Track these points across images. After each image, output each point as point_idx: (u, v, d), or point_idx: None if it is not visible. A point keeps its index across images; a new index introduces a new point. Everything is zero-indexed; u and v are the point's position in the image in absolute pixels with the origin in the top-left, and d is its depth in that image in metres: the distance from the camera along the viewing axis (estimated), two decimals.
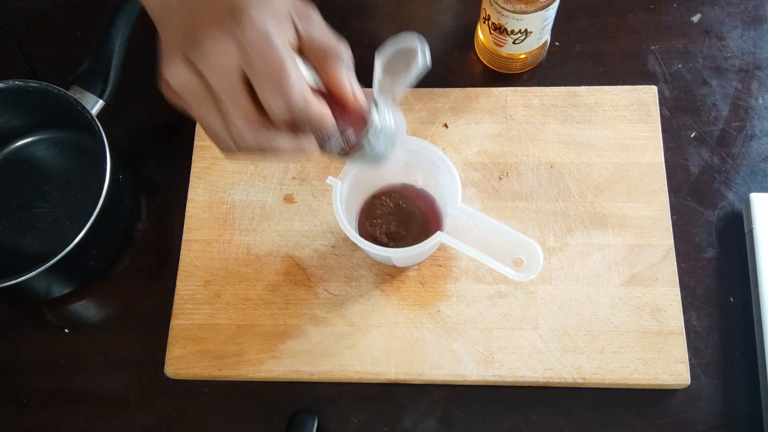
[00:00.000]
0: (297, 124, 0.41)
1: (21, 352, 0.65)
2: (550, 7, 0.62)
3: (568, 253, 0.63)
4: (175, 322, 0.63)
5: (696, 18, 0.73)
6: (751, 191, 0.65)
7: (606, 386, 0.60)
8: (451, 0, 0.76)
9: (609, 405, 0.60)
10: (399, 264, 0.63)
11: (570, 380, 0.59)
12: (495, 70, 0.72)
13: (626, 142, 0.67)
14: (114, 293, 0.67)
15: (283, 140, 0.41)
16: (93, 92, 0.65)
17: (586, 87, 0.69)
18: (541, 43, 0.68)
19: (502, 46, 0.68)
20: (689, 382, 0.59)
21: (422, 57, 0.46)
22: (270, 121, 0.40)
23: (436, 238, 0.55)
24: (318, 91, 0.43)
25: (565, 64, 0.72)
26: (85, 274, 0.66)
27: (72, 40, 0.76)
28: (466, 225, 0.56)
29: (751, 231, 0.63)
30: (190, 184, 0.68)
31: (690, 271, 0.63)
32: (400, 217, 0.63)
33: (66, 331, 0.65)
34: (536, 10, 0.62)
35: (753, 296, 0.62)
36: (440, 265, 0.64)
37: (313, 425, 0.59)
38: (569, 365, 0.59)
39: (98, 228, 0.60)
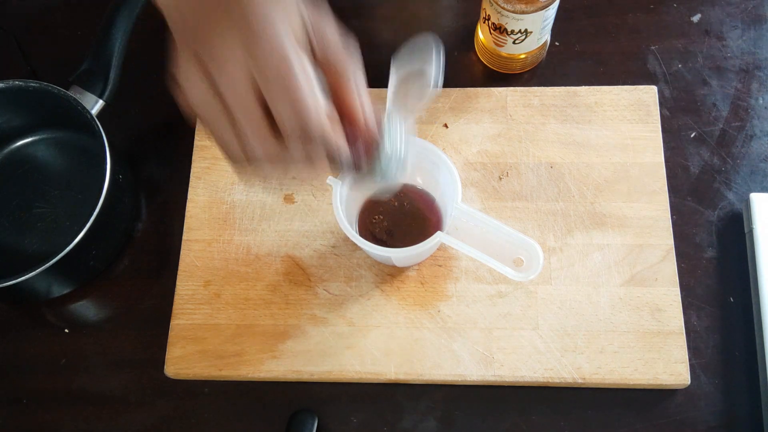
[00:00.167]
0: (308, 138, 0.40)
1: (21, 352, 0.65)
2: (550, 7, 0.62)
3: (568, 253, 0.63)
4: (175, 322, 0.63)
5: (696, 18, 0.73)
6: (751, 191, 0.65)
7: (606, 386, 0.60)
8: (451, 0, 0.76)
9: (609, 405, 0.60)
10: (399, 264, 0.63)
11: (570, 380, 0.59)
12: (495, 70, 0.72)
13: (626, 142, 0.67)
14: (114, 293, 0.67)
15: (294, 152, 0.40)
16: (93, 92, 0.65)
17: (586, 87, 0.69)
18: (541, 43, 0.68)
19: (502, 46, 0.68)
20: (689, 382, 0.59)
21: (437, 56, 0.45)
22: (280, 134, 0.39)
23: (436, 238, 0.55)
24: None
25: (565, 64, 0.72)
26: (85, 274, 0.66)
27: (72, 40, 0.76)
28: (466, 225, 0.56)
29: (751, 231, 0.63)
30: (190, 184, 0.68)
31: (690, 271, 0.63)
32: (400, 217, 0.63)
33: (66, 331, 0.65)
34: (536, 10, 0.62)
35: (753, 296, 0.62)
36: (440, 265, 0.64)
37: (313, 425, 0.59)
38: (569, 365, 0.59)
39: (98, 228, 0.60)
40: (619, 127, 0.67)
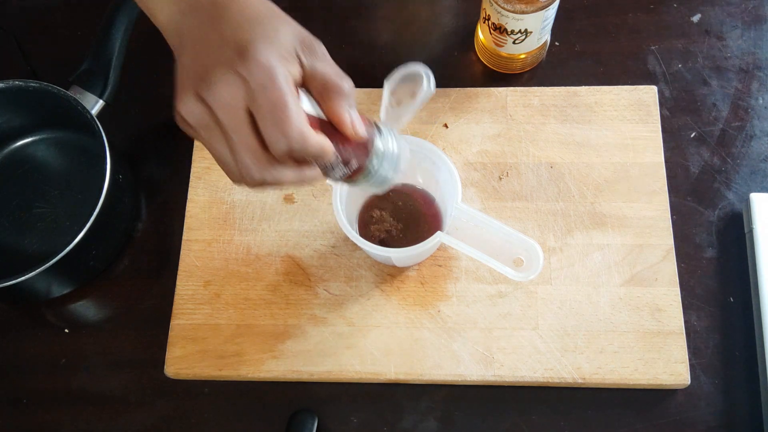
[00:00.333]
0: (302, 158, 0.43)
1: (21, 352, 0.65)
2: (550, 7, 0.62)
3: (568, 253, 0.63)
4: (175, 322, 0.63)
5: (696, 18, 0.73)
6: (751, 191, 0.65)
7: (606, 386, 0.60)
8: (451, 0, 0.76)
9: (609, 405, 0.60)
10: (399, 264, 0.63)
11: (570, 380, 0.59)
12: (495, 70, 0.72)
13: (626, 142, 0.67)
14: (114, 293, 0.67)
15: (287, 173, 0.43)
16: (93, 92, 0.65)
17: (586, 87, 0.69)
18: (541, 43, 0.68)
19: (502, 46, 0.68)
20: (689, 382, 0.59)
21: (427, 82, 0.47)
22: (274, 156, 0.42)
23: (436, 238, 0.55)
24: (321, 121, 0.44)
25: (565, 64, 0.72)
26: (85, 274, 0.66)
27: (72, 40, 0.76)
28: (466, 225, 0.56)
29: (751, 231, 0.63)
30: (190, 184, 0.68)
31: (690, 271, 0.63)
32: (400, 217, 0.63)
33: (66, 331, 0.65)
34: (536, 10, 0.62)
35: (753, 296, 0.62)
36: (440, 265, 0.64)
37: (313, 425, 0.59)
38: (569, 365, 0.59)
39: (98, 228, 0.60)
40: (619, 127, 0.67)
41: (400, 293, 0.63)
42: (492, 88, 0.69)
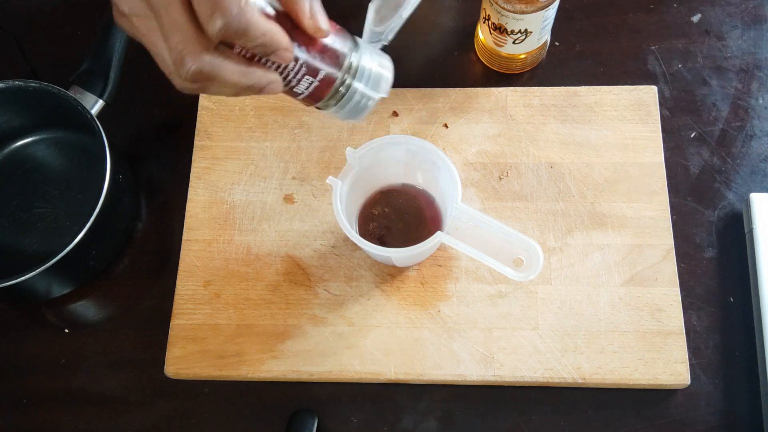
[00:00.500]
0: (249, 51, 0.38)
1: (21, 352, 0.65)
2: (550, 7, 0.62)
3: (568, 253, 0.63)
4: (175, 322, 0.63)
5: (696, 18, 0.73)
6: (751, 191, 0.65)
7: (606, 386, 0.60)
8: (451, 0, 0.76)
9: (609, 405, 0.60)
10: (399, 264, 0.63)
11: (570, 380, 0.59)
12: (495, 70, 0.72)
13: (626, 142, 0.67)
14: (114, 293, 0.67)
15: (229, 66, 0.38)
16: (93, 92, 0.65)
17: (586, 87, 0.69)
18: (541, 43, 0.68)
19: (502, 46, 0.68)
20: (689, 382, 0.59)
21: None
22: (213, 43, 0.37)
23: (436, 238, 0.55)
24: (279, 20, 0.38)
25: (565, 64, 0.72)
26: (85, 274, 0.66)
27: (72, 40, 0.76)
28: (466, 225, 0.56)
29: (751, 231, 0.63)
30: (190, 184, 0.68)
31: (690, 271, 0.63)
32: (400, 217, 0.63)
33: (66, 331, 0.65)
34: (536, 10, 0.62)
35: (753, 296, 0.62)
36: (440, 265, 0.64)
37: (313, 425, 0.59)
38: (569, 365, 0.59)
39: (98, 228, 0.60)
40: (619, 127, 0.67)
41: (400, 293, 0.63)
42: (492, 88, 0.69)
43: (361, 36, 0.46)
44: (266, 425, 0.61)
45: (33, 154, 0.71)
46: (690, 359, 0.60)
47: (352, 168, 0.58)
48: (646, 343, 0.60)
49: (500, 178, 0.66)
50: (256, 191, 0.67)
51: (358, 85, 0.41)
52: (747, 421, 0.59)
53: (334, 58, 0.40)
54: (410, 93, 0.69)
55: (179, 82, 0.39)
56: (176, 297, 0.64)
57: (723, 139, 0.68)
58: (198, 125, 0.70)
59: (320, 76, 0.40)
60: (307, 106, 0.43)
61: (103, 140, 0.62)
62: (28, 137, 0.71)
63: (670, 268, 0.62)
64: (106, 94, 0.65)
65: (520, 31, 0.65)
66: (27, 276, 0.58)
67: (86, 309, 0.67)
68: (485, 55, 0.71)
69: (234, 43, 0.38)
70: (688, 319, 0.61)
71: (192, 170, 0.68)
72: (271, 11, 0.38)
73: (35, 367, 0.64)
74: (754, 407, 0.59)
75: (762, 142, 0.68)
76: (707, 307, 0.62)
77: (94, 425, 0.62)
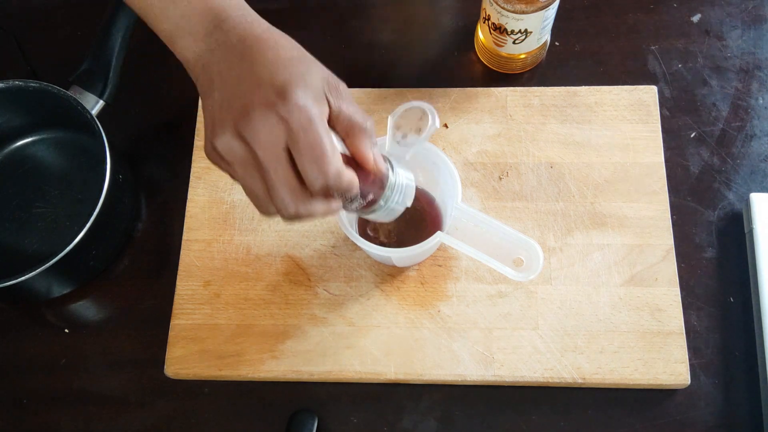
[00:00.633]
0: (331, 193, 0.45)
1: (21, 352, 0.65)
2: (550, 7, 0.62)
3: (568, 253, 0.63)
4: (175, 322, 0.63)
5: (696, 18, 0.73)
6: (751, 191, 0.65)
7: (606, 386, 0.60)
8: (451, 0, 0.76)
9: (609, 405, 0.60)
10: (399, 264, 0.63)
11: (570, 380, 0.59)
12: (495, 70, 0.72)
13: (626, 142, 0.67)
14: (114, 293, 0.67)
15: (318, 206, 0.45)
16: (93, 92, 0.65)
17: (586, 87, 0.69)
18: (541, 43, 0.68)
19: (502, 46, 0.68)
20: (689, 382, 0.59)
21: (433, 119, 0.50)
22: (308, 191, 0.44)
23: (436, 238, 0.55)
24: (347, 158, 0.46)
25: (565, 64, 0.72)
26: (85, 274, 0.66)
27: (72, 40, 0.76)
28: (466, 225, 0.56)
29: (751, 231, 0.63)
30: (190, 184, 0.68)
31: (690, 271, 0.63)
32: (400, 216, 0.63)
33: (66, 331, 0.65)
34: (536, 10, 0.62)
35: (753, 296, 0.62)
36: (440, 265, 0.64)
37: (313, 425, 0.59)
38: (569, 365, 0.59)
39: (98, 228, 0.60)
40: (619, 127, 0.67)
41: (400, 293, 0.63)
42: (492, 88, 0.69)
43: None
44: (266, 425, 0.61)
45: (33, 154, 0.71)
46: (690, 359, 0.60)
47: None
48: (646, 343, 0.60)
49: (500, 178, 0.66)
50: None
51: (394, 199, 0.50)
52: (747, 421, 0.59)
53: (381, 183, 0.49)
54: (410, 93, 0.69)
55: (272, 216, 0.46)
56: (176, 297, 0.64)
57: (723, 139, 0.68)
58: (198, 125, 0.70)
59: (369, 197, 0.48)
60: (352, 214, 0.55)
61: (103, 140, 0.62)
62: (28, 137, 0.71)
63: (670, 268, 0.62)
64: (106, 94, 0.65)
65: (520, 31, 0.65)
66: (27, 276, 0.58)
67: (86, 309, 0.67)
68: (485, 55, 0.71)
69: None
70: (688, 319, 0.61)
71: (192, 170, 0.68)
72: (342, 153, 0.46)
73: (35, 367, 0.64)
74: (754, 407, 0.59)
75: (762, 142, 0.68)
76: (707, 307, 0.62)
77: (94, 425, 0.62)
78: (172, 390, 0.62)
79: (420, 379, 0.60)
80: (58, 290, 0.65)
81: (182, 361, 0.62)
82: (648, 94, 0.68)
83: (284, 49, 0.44)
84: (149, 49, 0.67)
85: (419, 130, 0.51)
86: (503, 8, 0.62)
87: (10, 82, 0.64)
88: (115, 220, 0.65)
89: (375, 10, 0.76)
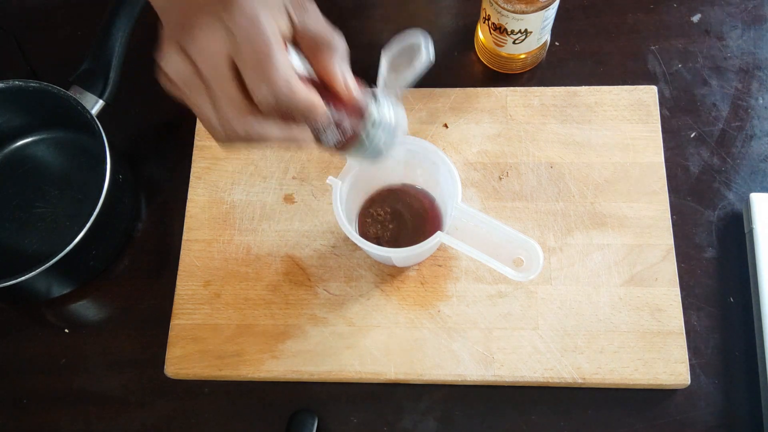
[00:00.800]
0: (290, 114, 0.41)
1: (21, 352, 0.65)
2: (550, 7, 0.62)
3: (568, 253, 0.63)
4: (175, 322, 0.63)
5: (696, 18, 0.73)
6: (751, 191, 0.65)
7: (606, 386, 0.60)
8: (451, 0, 0.76)
9: (609, 405, 0.60)
10: (399, 264, 0.63)
11: (570, 380, 0.59)
12: (495, 70, 0.72)
13: (626, 142, 0.67)
14: (114, 293, 0.67)
15: (273, 129, 0.41)
16: (93, 92, 0.65)
17: (586, 87, 0.69)
18: (541, 43, 0.68)
19: (502, 46, 0.68)
20: (689, 382, 0.59)
21: (426, 52, 0.46)
22: (259, 109, 0.40)
23: (436, 238, 0.55)
24: (312, 82, 0.42)
25: (565, 64, 0.72)
26: (85, 274, 0.66)
27: (72, 40, 0.76)
28: (466, 225, 0.56)
29: (751, 231, 0.63)
30: (190, 184, 0.68)
31: (690, 271, 0.63)
32: (400, 216, 0.63)
33: (66, 331, 0.65)
34: (536, 10, 0.62)
35: (753, 296, 0.62)
36: (440, 265, 0.64)
37: (313, 425, 0.59)
38: (569, 365, 0.59)
39: (98, 228, 0.60)
40: (619, 127, 0.67)
41: (400, 293, 0.63)
42: (492, 88, 0.69)
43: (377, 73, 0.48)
44: (266, 425, 0.61)
45: (33, 154, 0.71)
46: (690, 359, 0.60)
47: (352, 168, 0.58)
48: (646, 343, 0.60)
49: (500, 178, 0.66)
50: (256, 191, 0.67)
51: (378, 134, 0.45)
52: (747, 421, 0.59)
53: (359, 114, 0.44)
54: (410, 93, 0.69)
55: (225, 142, 0.42)
56: (176, 297, 0.64)
57: (723, 139, 0.68)
58: (198, 125, 0.70)
59: (346, 129, 0.44)
60: (333, 153, 0.49)
61: (103, 140, 0.62)
62: (28, 137, 0.71)
63: (670, 268, 0.62)
64: (106, 94, 0.65)
65: (520, 31, 0.65)
66: (27, 276, 0.58)
67: (86, 309, 0.67)
68: (485, 55, 0.71)
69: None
70: (688, 319, 0.61)
71: (192, 170, 0.68)
72: (306, 75, 0.42)
73: (35, 367, 0.64)
74: (754, 407, 0.59)
75: (762, 142, 0.68)
76: (707, 307, 0.62)
77: (94, 425, 0.62)
78: (172, 390, 0.62)
79: (420, 379, 0.60)
80: (58, 290, 0.65)
81: (182, 361, 0.62)
82: (648, 94, 0.68)
83: None
84: (149, 49, 0.67)
85: (412, 65, 0.46)
86: (503, 8, 0.62)
87: (10, 82, 0.64)
88: (115, 220, 0.65)
89: (375, 9, 0.76)
